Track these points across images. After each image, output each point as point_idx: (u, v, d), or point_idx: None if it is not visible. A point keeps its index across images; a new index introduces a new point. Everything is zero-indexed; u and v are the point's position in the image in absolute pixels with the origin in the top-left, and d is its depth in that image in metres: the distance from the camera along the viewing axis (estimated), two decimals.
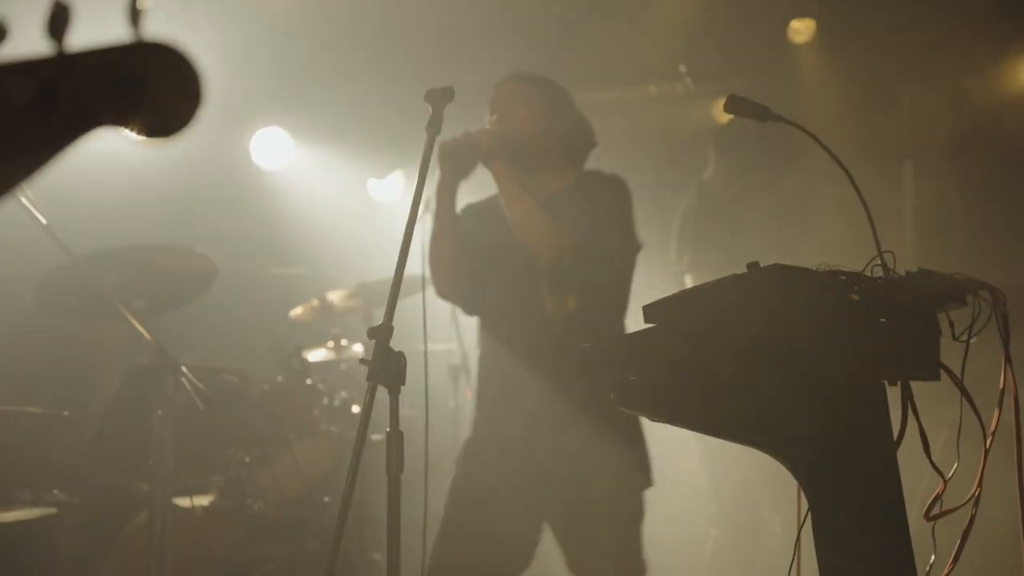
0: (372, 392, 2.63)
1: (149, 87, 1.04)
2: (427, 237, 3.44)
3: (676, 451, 5.01)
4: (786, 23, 6.14)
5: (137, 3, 1.08)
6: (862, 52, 6.03)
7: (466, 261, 3.47)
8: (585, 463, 3.32)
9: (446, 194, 3.44)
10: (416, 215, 2.79)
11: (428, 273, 3.48)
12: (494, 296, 3.48)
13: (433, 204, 3.43)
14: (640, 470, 3.44)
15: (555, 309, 3.37)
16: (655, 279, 5.04)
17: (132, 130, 1.05)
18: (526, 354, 3.39)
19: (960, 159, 5.73)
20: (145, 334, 3.79)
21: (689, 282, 4.91)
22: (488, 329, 3.54)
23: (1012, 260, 5.52)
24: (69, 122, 1.04)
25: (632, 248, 3.49)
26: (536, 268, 3.34)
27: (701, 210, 5.07)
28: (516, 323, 3.44)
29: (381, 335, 2.64)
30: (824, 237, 5.35)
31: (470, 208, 3.59)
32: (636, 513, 3.43)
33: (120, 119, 1.05)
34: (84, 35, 1.12)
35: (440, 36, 6.14)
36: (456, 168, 3.40)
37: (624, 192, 3.49)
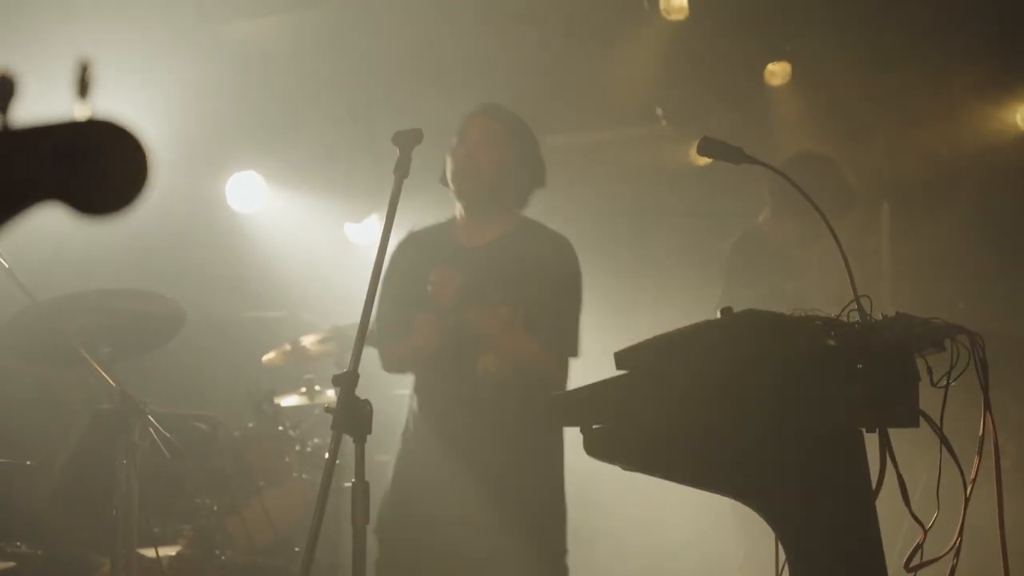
0: (337, 441, 2.57)
1: (93, 164, 1.01)
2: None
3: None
4: (762, 65, 6.14)
5: (85, 75, 1.05)
6: (838, 94, 6.03)
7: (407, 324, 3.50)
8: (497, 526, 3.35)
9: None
10: (383, 261, 2.74)
11: (394, 368, 3.59)
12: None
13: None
14: (552, 556, 3.45)
15: (483, 369, 3.37)
16: (632, 321, 5.01)
17: (74, 207, 1.02)
18: (451, 406, 3.39)
19: (937, 201, 5.73)
20: (110, 381, 3.72)
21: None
22: (420, 384, 3.55)
23: (990, 304, 5.51)
24: (10, 198, 1.02)
25: (573, 322, 3.53)
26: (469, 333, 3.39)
27: (739, 251, 4.97)
28: (446, 378, 3.45)
29: (346, 383, 2.58)
30: (802, 283, 5.31)
31: (412, 239, 3.56)
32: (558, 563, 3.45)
33: (62, 196, 1.02)
34: (32, 108, 1.11)
35: (416, 79, 6.12)
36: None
37: (575, 257, 3.56)
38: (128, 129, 1.05)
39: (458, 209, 3.59)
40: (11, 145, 1.01)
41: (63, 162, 1.00)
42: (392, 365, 3.59)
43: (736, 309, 4.81)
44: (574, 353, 3.47)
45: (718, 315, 4.97)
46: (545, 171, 3.64)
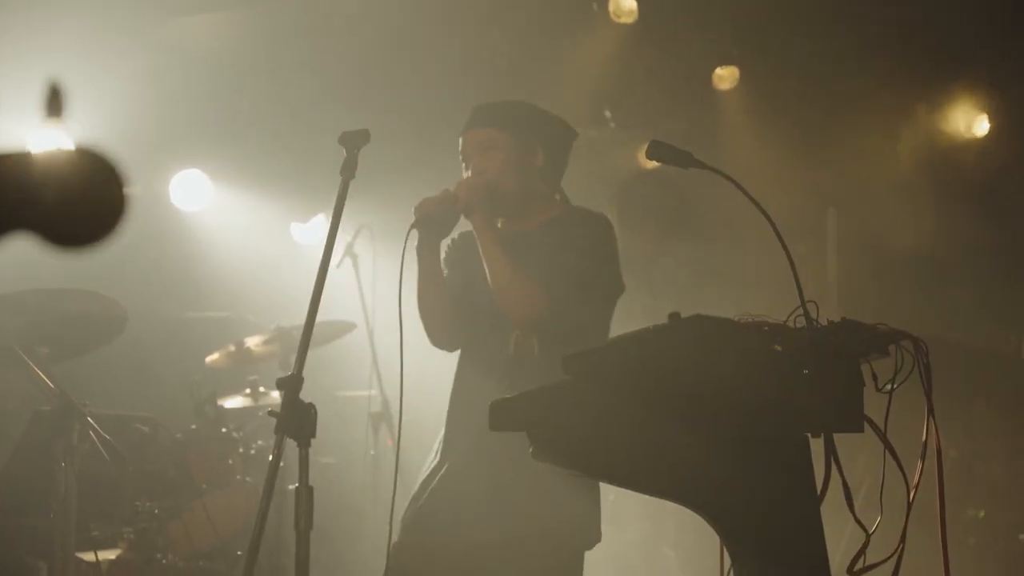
0: (280, 445, 2.53)
1: (66, 195, 0.97)
2: (416, 292, 3.36)
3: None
4: (711, 69, 6.17)
5: (55, 97, 1.01)
6: (786, 98, 6.08)
7: (455, 308, 3.39)
8: (520, 519, 3.20)
9: (427, 253, 3.34)
10: (328, 262, 2.71)
11: (423, 324, 3.39)
12: (470, 331, 3.39)
13: (417, 263, 3.34)
14: (582, 527, 3.30)
15: (517, 347, 3.28)
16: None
17: (47, 239, 0.98)
18: (483, 387, 3.28)
19: (883, 206, 5.78)
20: (48, 382, 3.66)
21: None
22: (459, 363, 3.44)
23: (937, 310, 5.58)
24: None
25: (613, 287, 3.41)
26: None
27: None
28: (482, 357, 3.35)
29: (290, 386, 2.54)
30: (748, 287, 5.35)
31: (462, 239, 3.49)
32: (572, 570, 3.30)
33: (34, 227, 0.98)
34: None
35: (365, 79, 6.08)
36: (433, 229, 3.32)
37: (607, 229, 3.40)
38: (104, 158, 1.01)
39: (500, 224, 3.47)
40: None
41: (36, 193, 0.96)
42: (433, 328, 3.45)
43: None
44: (556, 293, 3.26)
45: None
46: (562, 124, 3.50)
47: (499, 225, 3.40)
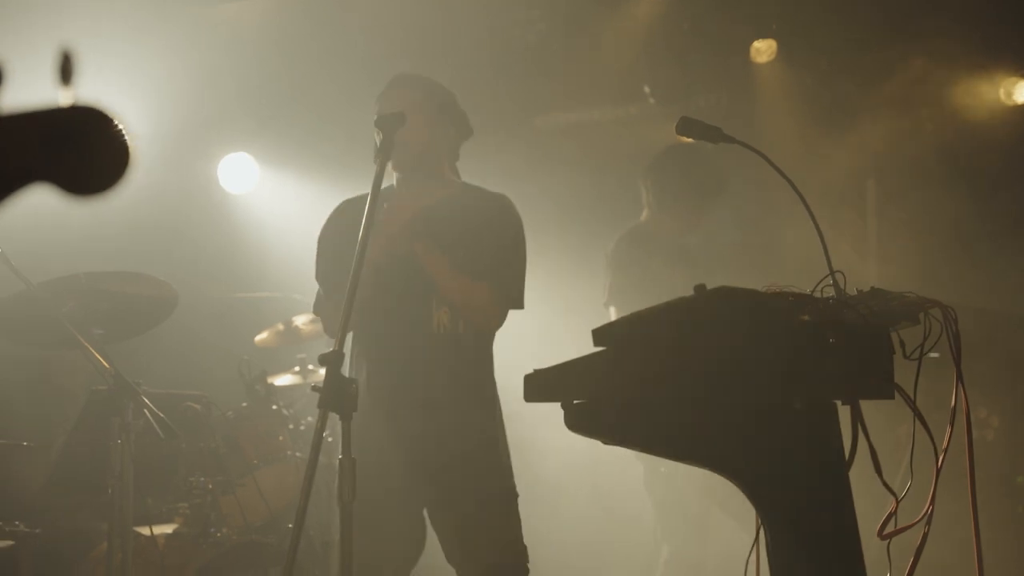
0: (323, 419, 2.62)
1: (78, 148, 1.08)
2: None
3: (630, 463, 5.03)
4: (748, 43, 6.17)
5: (67, 63, 1.12)
6: (824, 72, 6.06)
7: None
8: (453, 447, 3.43)
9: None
10: (367, 243, 2.79)
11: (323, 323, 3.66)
12: (378, 310, 3.48)
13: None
14: (497, 430, 3.55)
15: (440, 326, 3.43)
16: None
17: (62, 188, 1.09)
18: (407, 365, 3.43)
19: (923, 177, 5.77)
20: (103, 362, 3.77)
21: (614, 316, 4.98)
22: (367, 340, 3.55)
23: (980, 279, 5.56)
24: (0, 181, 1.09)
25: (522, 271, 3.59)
26: (424, 285, 3.42)
27: (622, 249, 5.14)
28: (400, 336, 3.47)
29: (332, 361, 2.63)
30: (785, 260, 5.37)
31: (348, 206, 3.61)
32: (510, 494, 3.51)
33: (51, 178, 1.09)
34: (19, 95, 1.17)
35: (405, 60, 6.13)
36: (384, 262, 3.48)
37: (514, 211, 3.59)
38: (110, 114, 1.11)
39: (395, 180, 3.61)
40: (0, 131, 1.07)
41: (50, 146, 1.05)
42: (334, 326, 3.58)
43: (624, 301, 4.95)
44: (519, 304, 3.52)
45: (609, 311, 5.15)
46: (468, 120, 3.67)
47: (396, 180, 3.58)
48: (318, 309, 3.61)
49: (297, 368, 5.54)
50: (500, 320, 3.50)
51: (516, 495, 3.53)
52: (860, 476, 2.57)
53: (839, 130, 5.92)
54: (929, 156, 5.71)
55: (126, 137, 1.11)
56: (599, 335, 2.43)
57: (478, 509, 3.41)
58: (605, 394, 2.45)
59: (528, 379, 2.48)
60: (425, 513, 3.52)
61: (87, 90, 1.15)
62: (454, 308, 3.43)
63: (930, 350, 2.58)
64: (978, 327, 2.84)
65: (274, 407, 5.07)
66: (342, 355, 2.68)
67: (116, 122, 1.10)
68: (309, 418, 5.25)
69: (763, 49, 6.14)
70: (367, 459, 3.38)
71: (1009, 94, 5.84)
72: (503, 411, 3.59)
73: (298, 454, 5.02)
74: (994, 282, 5.61)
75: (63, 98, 1.10)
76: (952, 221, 5.58)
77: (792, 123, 5.95)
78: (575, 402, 2.46)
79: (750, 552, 2.58)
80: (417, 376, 3.44)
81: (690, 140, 3.14)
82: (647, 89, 6.33)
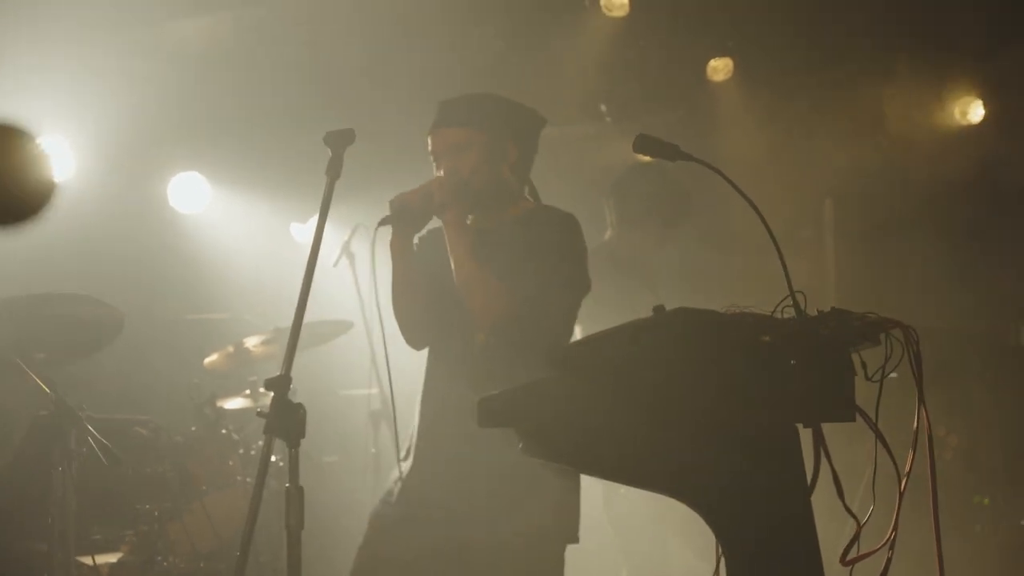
0: (268, 446, 2.53)
1: None
2: (390, 291, 3.34)
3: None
4: (705, 61, 6.16)
5: None
6: (780, 89, 6.06)
7: (430, 307, 3.36)
8: (504, 518, 3.19)
9: (399, 249, 3.31)
10: (314, 263, 2.71)
11: (397, 321, 3.37)
12: (441, 328, 3.37)
13: (391, 260, 3.32)
14: (563, 526, 3.29)
15: (483, 347, 3.27)
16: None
17: None
18: (457, 389, 3.27)
19: (879, 196, 5.77)
20: (44, 388, 3.67)
21: (578, 332, 4.92)
22: (432, 358, 3.42)
23: (934, 297, 5.56)
24: None
25: (581, 285, 3.41)
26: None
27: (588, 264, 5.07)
28: (450, 357, 3.33)
29: (278, 386, 2.54)
30: (747, 280, 5.34)
31: (431, 236, 3.47)
32: (555, 569, 3.28)
33: None
34: None
35: (358, 77, 6.08)
36: (407, 224, 3.30)
37: (576, 228, 3.40)
38: (22, 129, 0.98)
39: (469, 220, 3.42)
40: None
41: None
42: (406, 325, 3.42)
43: (589, 321, 4.92)
44: (525, 294, 3.26)
45: (575, 330, 5.08)
46: (529, 112, 3.49)
47: (468, 221, 3.37)
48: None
49: (248, 391, 5.43)
50: (497, 308, 3.21)
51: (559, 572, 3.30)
52: (818, 499, 2.52)
53: (796, 149, 5.92)
54: (886, 175, 5.72)
55: (44, 157, 0.98)
56: (553, 357, 2.36)
57: None
58: (560, 419, 2.38)
59: (481, 403, 2.41)
60: None
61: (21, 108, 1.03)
62: (459, 287, 3.24)
63: (892, 371, 2.54)
64: (932, 347, 2.81)
65: (224, 431, 4.97)
66: (289, 379, 2.59)
67: (30, 138, 0.98)
68: (260, 442, 5.14)
69: (720, 67, 6.13)
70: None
71: (964, 114, 5.87)
72: None
73: (248, 479, 4.92)
74: (949, 301, 5.62)
75: None
76: (908, 240, 5.58)
77: (749, 141, 5.94)
78: (529, 427, 2.39)
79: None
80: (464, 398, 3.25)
81: (653, 159, 3.08)
82: (603, 107, 6.30)
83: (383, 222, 3.27)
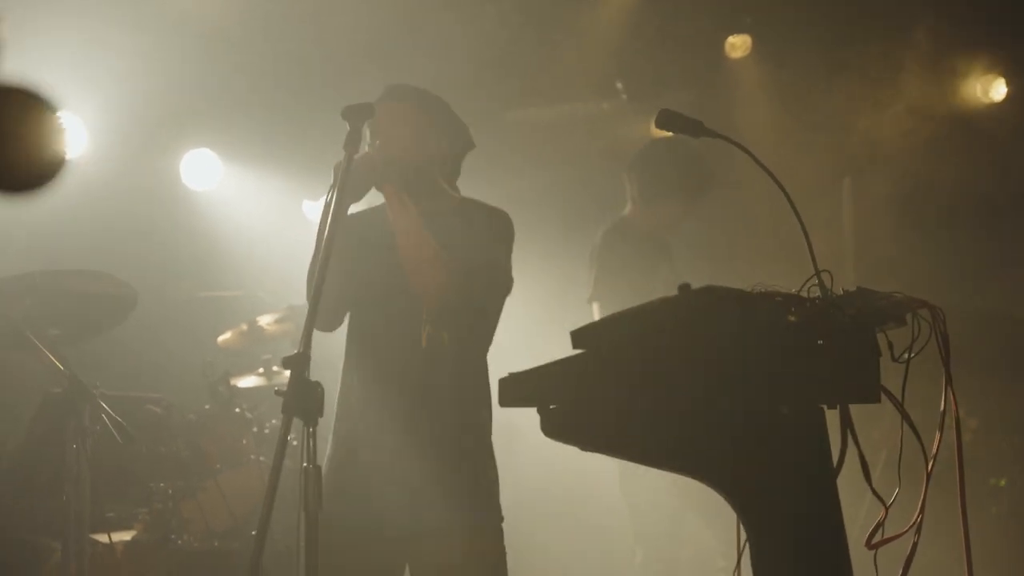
0: (287, 425, 2.50)
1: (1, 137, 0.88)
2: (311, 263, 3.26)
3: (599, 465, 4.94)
4: (723, 39, 6.09)
5: None
6: (799, 67, 5.99)
7: (349, 288, 3.31)
8: (436, 516, 3.21)
9: (334, 218, 3.24)
10: (333, 238, 2.67)
11: (311, 299, 3.29)
12: (368, 320, 3.33)
13: (320, 228, 3.24)
14: (491, 511, 3.32)
15: (430, 340, 3.24)
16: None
17: None
18: (395, 380, 3.26)
19: (899, 173, 5.71)
20: (58, 364, 3.64)
21: (597, 313, 4.87)
22: (359, 353, 3.37)
23: (954, 278, 5.51)
24: None
25: (509, 281, 3.39)
26: (413, 300, 3.21)
27: (608, 242, 5.02)
28: (389, 349, 3.29)
29: (296, 364, 2.51)
30: (768, 258, 5.30)
31: (351, 219, 3.41)
32: (498, 559, 3.31)
33: None
34: None
35: (371, 54, 6.03)
36: (348, 192, 3.23)
37: (509, 224, 3.40)
38: (39, 94, 0.93)
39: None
40: None
41: None
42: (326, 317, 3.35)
43: (608, 296, 4.86)
44: (468, 267, 3.23)
45: (593, 307, 5.03)
46: (468, 132, 3.47)
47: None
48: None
49: (261, 369, 5.41)
50: (441, 278, 3.16)
51: (503, 551, 3.33)
52: (840, 482, 2.48)
53: (815, 126, 5.86)
54: (905, 153, 5.66)
55: (58, 120, 0.93)
56: (578, 337, 2.32)
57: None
58: (583, 399, 2.34)
59: (503, 383, 2.37)
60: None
61: (26, 72, 0.98)
62: (404, 262, 3.19)
63: (919, 352, 2.50)
64: (952, 327, 2.76)
65: (237, 410, 4.95)
66: (307, 357, 2.55)
67: (48, 103, 0.93)
68: (274, 421, 5.13)
69: (738, 44, 6.07)
70: (351, 479, 3.28)
71: (986, 91, 5.80)
72: None
73: (262, 458, 4.89)
74: (964, 280, 5.57)
75: None
76: (931, 217, 5.53)
77: (767, 118, 5.88)
78: (552, 407, 2.35)
79: (737, 565, 2.47)
80: (404, 394, 3.25)
81: (671, 135, 3.03)
82: (619, 85, 6.24)
83: (331, 189, 3.16)
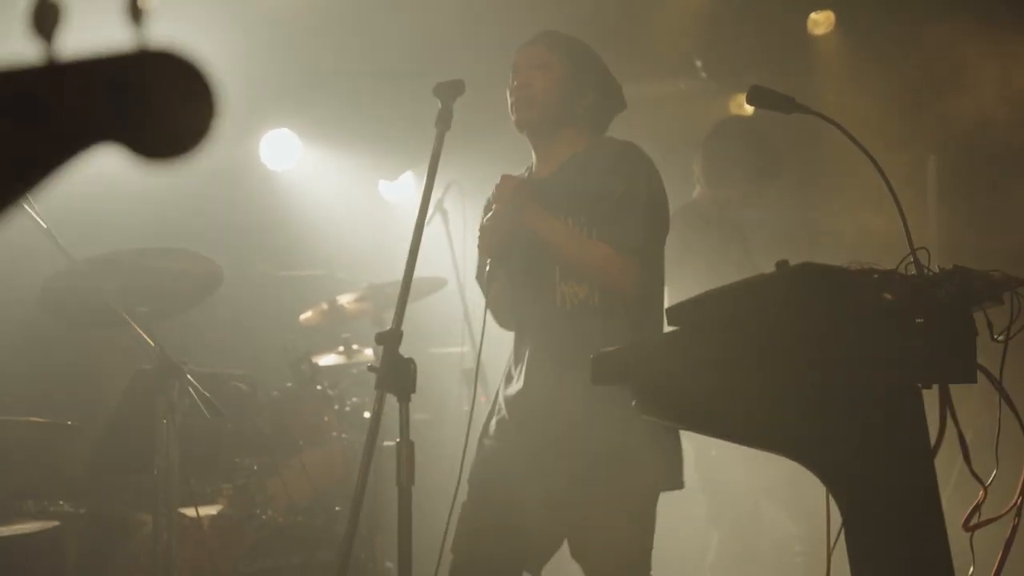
0: (380, 400, 2.52)
1: (153, 100, 0.90)
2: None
3: None
4: (805, 15, 6.01)
5: (138, 1, 0.93)
6: (883, 44, 5.89)
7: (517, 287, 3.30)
8: (603, 467, 3.13)
9: (499, 277, 3.27)
10: (424, 218, 2.69)
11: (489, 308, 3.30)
12: (510, 292, 3.31)
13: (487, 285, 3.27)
14: (662, 470, 3.20)
15: (564, 300, 3.19)
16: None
17: (135, 149, 0.91)
18: (541, 344, 3.21)
19: (984, 154, 5.60)
20: (148, 340, 3.70)
21: (666, 293, 4.84)
22: (514, 325, 3.36)
23: None
24: (60, 139, 0.91)
25: (668, 219, 3.32)
26: (545, 258, 3.18)
27: (678, 222, 4.97)
28: (529, 312, 3.26)
29: (389, 341, 2.53)
30: (844, 239, 5.22)
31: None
32: (650, 522, 3.21)
33: (120, 136, 0.91)
34: (79, 39, 0.99)
35: (451, 34, 6.02)
36: (496, 256, 3.24)
37: (645, 159, 3.31)
38: (190, 59, 0.94)
39: (531, 146, 3.39)
40: (60, 80, 0.91)
41: (118, 98, 0.89)
42: (495, 315, 3.37)
43: (679, 278, 4.80)
44: (640, 254, 3.18)
45: (664, 288, 4.98)
46: (620, 92, 3.41)
47: (530, 146, 3.33)
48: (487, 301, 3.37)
49: (342, 348, 5.46)
50: (628, 277, 3.13)
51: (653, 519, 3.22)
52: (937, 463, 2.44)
53: (900, 106, 5.75)
54: (993, 131, 5.54)
55: (210, 88, 0.94)
56: (673, 314, 2.31)
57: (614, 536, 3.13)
58: (677, 376, 2.33)
59: (596, 361, 2.37)
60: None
61: (152, 31, 0.98)
62: (578, 275, 3.16)
63: (1018, 331, 2.46)
64: None
65: (319, 387, 5.00)
66: (400, 334, 2.57)
67: (197, 69, 0.94)
68: (354, 398, 5.17)
69: (820, 21, 5.98)
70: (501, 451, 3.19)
71: None
72: None
73: (344, 435, 4.94)
74: None
75: (133, 40, 0.94)
76: (1013, 200, 5.41)
77: (850, 97, 5.79)
78: (644, 385, 2.35)
79: (832, 545, 2.45)
80: (545, 355, 3.18)
81: (746, 114, 3.00)
82: (699, 63, 6.18)
83: (492, 274, 3.21)
